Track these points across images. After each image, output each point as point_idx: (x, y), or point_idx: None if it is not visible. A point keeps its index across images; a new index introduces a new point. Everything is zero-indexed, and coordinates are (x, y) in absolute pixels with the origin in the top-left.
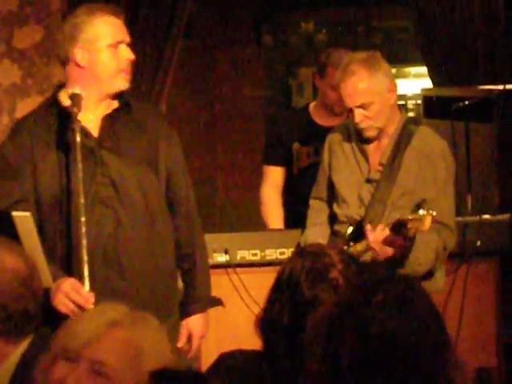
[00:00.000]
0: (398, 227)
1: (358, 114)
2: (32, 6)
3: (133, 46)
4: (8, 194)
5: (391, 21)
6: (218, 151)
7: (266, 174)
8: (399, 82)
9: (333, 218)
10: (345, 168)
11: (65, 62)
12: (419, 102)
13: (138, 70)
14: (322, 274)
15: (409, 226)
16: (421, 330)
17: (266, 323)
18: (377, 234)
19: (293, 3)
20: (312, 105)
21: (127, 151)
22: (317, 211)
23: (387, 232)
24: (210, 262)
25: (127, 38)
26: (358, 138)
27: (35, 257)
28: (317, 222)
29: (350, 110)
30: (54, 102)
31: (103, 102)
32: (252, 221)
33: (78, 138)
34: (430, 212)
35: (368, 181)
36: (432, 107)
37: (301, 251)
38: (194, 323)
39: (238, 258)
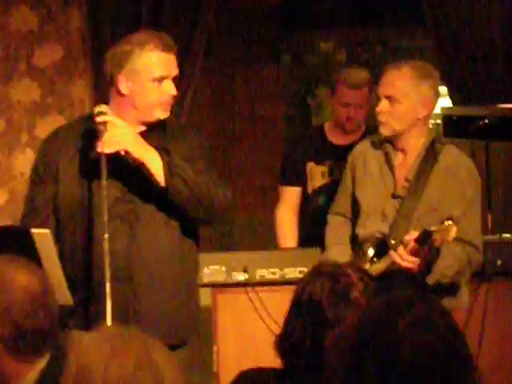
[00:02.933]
0: (424, 238)
1: (383, 104)
2: (52, 25)
3: None
4: (32, 199)
5: (409, 40)
6: (236, 170)
7: (281, 194)
8: None
9: (353, 236)
10: (369, 183)
11: (109, 81)
12: (438, 121)
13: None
14: (344, 294)
15: (434, 237)
16: (448, 352)
17: (287, 344)
18: (401, 252)
19: (312, 22)
20: (327, 124)
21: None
22: (336, 228)
23: (412, 243)
24: (229, 280)
25: (173, 73)
26: (384, 151)
27: (54, 274)
28: (338, 240)
29: (379, 97)
30: (88, 117)
31: (136, 126)
32: (271, 240)
33: (104, 155)
34: (455, 223)
35: (394, 196)
36: (452, 126)
37: (318, 270)
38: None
39: (257, 276)
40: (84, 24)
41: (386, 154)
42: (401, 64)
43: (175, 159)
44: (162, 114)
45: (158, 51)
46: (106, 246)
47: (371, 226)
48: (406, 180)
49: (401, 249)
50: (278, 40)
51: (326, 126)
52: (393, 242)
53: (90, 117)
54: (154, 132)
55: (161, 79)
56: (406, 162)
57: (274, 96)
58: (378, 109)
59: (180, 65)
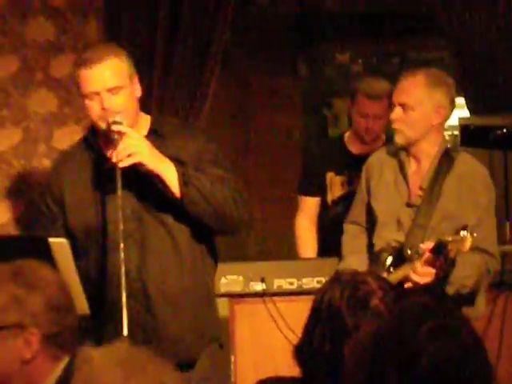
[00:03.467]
0: (439, 248)
1: (397, 111)
2: (69, 36)
3: (170, 75)
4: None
5: (427, 52)
6: (253, 181)
7: (300, 204)
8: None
9: (370, 245)
10: (384, 192)
11: None
12: (456, 132)
13: (174, 99)
14: (363, 302)
15: (449, 248)
16: (468, 360)
17: (306, 352)
18: (416, 265)
19: (328, 34)
20: (347, 134)
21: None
22: (353, 237)
23: (427, 254)
24: (247, 290)
25: (100, 87)
26: (398, 159)
27: (71, 283)
28: (355, 249)
29: (393, 105)
30: (88, 137)
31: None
32: (288, 250)
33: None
34: (471, 233)
35: (408, 205)
36: (469, 136)
37: (337, 279)
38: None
39: (275, 286)
40: (101, 35)
41: (400, 162)
42: (416, 71)
43: (190, 169)
44: (104, 125)
45: (81, 69)
46: (122, 255)
47: (387, 235)
48: (421, 188)
49: (417, 263)
50: (294, 51)
51: (346, 136)
52: (409, 251)
53: (92, 135)
54: (150, 137)
55: (91, 95)
56: (420, 169)
57: (290, 107)
58: (391, 116)
59: (197, 76)
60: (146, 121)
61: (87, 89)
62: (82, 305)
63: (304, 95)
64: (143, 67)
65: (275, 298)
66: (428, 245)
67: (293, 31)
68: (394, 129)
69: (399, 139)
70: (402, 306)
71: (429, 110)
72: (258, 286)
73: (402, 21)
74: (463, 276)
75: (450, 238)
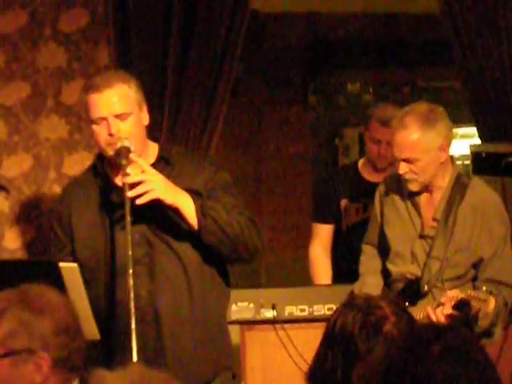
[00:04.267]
0: (461, 306)
1: (403, 166)
2: (80, 62)
3: (180, 105)
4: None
5: (437, 81)
6: (264, 210)
7: (315, 231)
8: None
9: (385, 272)
10: (397, 222)
11: None
12: (467, 162)
13: (185, 128)
14: (376, 327)
15: (472, 305)
16: (481, 380)
17: (319, 377)
18: (438, 315)
19: (339, 63)
20: (361, 161)
21: (164, 213)
22: (370, 257)
23: (450, 310)
24: (258, 317)
25: (107, 112)
26: (407, 191)
27: (81, 308)
28: (372, 270)
29: (397, 160)
30: (96, 164)
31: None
32: (299, 279)
33: (127, 191)
34: (494, 293)
35: (422, 236)
36: (481, 163)
37: (350, 303)
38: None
39: (286, 313)
40: (112, 61)
41: (411, 193)
42: (404, 121)
43: (207, 201)
44: (110, 151)
45: (90, 94)
46: (131, 281)
47: (401, 266)
48: (434, 219)
49: (438, 311)
50: (305, 81)
51: (360, 163)
52: (426, 287)
53: (96, 165)
54: (158, 165)
55: (98, 120)
56: (433, 200)
57: (301, 137)
58: (400, 172)
59: (207, 106)
60: (153, 148)
61: (95, 114)
62: (92, 330)
63: (315, 125)
64: (153, 95)
65: (286, 325)
66: (449, 296)
67: (304, 61)
68: (406, 179)
69: (413, 187)
70: (412, 328)
71: (434, 153)
72: (269, 313)
73: (412, 50)
74: (485, 325)
75: (472, 294)
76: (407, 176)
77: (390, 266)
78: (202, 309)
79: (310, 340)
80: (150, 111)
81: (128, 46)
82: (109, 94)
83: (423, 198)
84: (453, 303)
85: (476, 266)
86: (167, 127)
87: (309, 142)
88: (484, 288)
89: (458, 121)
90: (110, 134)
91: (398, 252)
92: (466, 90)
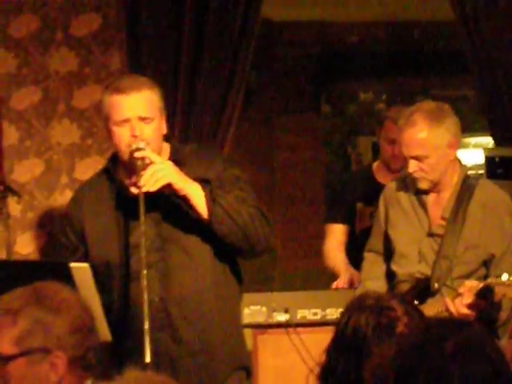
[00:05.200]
0: (485, 292)
1: (413, 164)
2: (91, 67)
3: (191, 111)
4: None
5: (450, 90)
6: (277, 218)
7: (328, 231)
8: (458, 152)
9: (390, 275)
10: (403, 222)
11: None
12: (480, 171)
13: (196, 136)
14: (389, 328)
15: (496, 291)
16: (497, 377)
17: (331, 379)
18: (457, 305)
19: (352, 72)
20: (375, 164)
21: (177, 209)
22: (372, 264)
23: (471, 299)
24: (270, 321)
25: (131, 114)
26: (415, 190)
27: (93, 309)
28: (373, 275)
29: (405, 157)
30: (109, 167)
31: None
32: (312, 285)
33: (142, 192)
34: (498, 260)
35: (430, 235)
36: (495, 168)
37: (361, 304)
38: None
39: (299, 317)
40: (124, 66)
41: (418, 193)
42: (413, 119)
43: (216, 189)
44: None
45: (115, 95)
46: (144, 282)
47: (408, 266)
48: (442, 218)
49: (458, 301)
50: (318, 90)
51: (374, 166)
52: (436, 285)
53: (109, 169)
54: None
55: (121, 122)
56: (440, 199)
57: (314, 145)
58: (409, 170)
59: (218, 113)
60: (165, 149)
61: (119, 115)
62: (104, 331)
63: (327, 133)
64: (165, 101)
65: (299, 329)
66: (467, 285)
67: (316, 70)
68: (415, 178)
69: (423, 185)
70: (425, 325)
71: (443, 150)
72: (282, 317)
73: (426, 59)
74: (507, 318)
75: (494, 281)
76: (417, 174)
77: (395, 268)
78: (217, 309)
79: (322, 344)
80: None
81: (140, 51)
82: (136, 97)
83: (431, 198)
84: (475, 291)
85: (486, 263)
86: (178, 134)
87: (321, 151)
88: (505, 275)
89: (470, 130)
90: (134, 136)
91: (403, 253)
92: (480, 95)
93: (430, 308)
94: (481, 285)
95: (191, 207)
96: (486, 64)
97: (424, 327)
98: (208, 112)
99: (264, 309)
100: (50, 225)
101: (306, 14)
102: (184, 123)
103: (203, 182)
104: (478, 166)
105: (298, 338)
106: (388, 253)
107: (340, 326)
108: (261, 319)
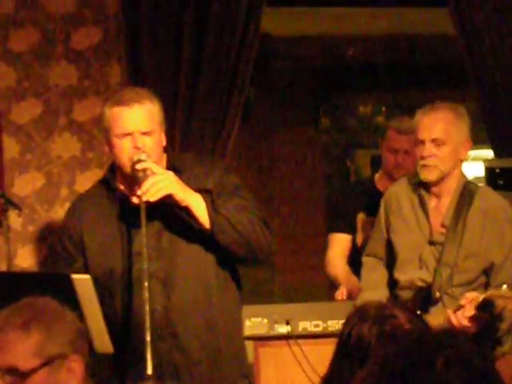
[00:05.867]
0: (486, 305)
1: (429, 147)
2: (91, 80)
3: (191, 124)
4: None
5: (450, 103)
6: (276, 232)
7: (331, 241)
8: None
9: (391, 282)
10: (404, 229)
11: None
12: (480, 185)
13: (195, 149)
14: (392, 337)
15: (497, 304)
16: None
17: None
18: (459, 318)
19: (351, 86)
20: (377, 175)
21: (178, 219)
22: (371, 271)
23: (472, 311)
24: (271, 333)
25: (133, 128)
26: (418, 186)
27: (94, 320)
28: (372, 284)
29: (422, 142)
30: (108, 178)
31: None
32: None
33: (143, 202)
34: (499, 268)
35: (431, 243)
36: (495, 179)
37: (364, 313)
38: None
39: (300, 329)
40: (124, 79)
41: (420, 198)
42: (436, 106)
43: (217, 199)
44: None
45: (117, 107)
46: (146, 294)
47: (410, 273)
48: (443, 225)
49: (460, 314)
50: (317, 103)
51: (376, 177)
52: (438, 294)
53: (107, 180)
54: None
55: (122, 135)
56: (440, 206)
57: (312, 158)
58: (424, 153)
59: (218, 126)
60: (163, 159)
61: (121, 128)
62: (106, 342)
63: (326, 147)
64: (164, 114)
65: (300, 341)
66: (468, 297)
67: (315, 83)
68: (426, 166)
69: (431, 175)
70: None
71: (458, 144)
72: (283, 329)
73: (425, 72)
74: (507, 327)
75: (494, 293)
76: (430, 160)
77: (397, 275)
78: (221, 316)
79: (324, 356)
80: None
81: (139, 65)
82: (138, 110)
83: (431, 203)
84: (476, 303)
85: (486, 271)
86: (179, 146)
87: (320, 164)
88: (504, 286)
89: None
90: (136, 147)
91: (405, 259)
92: (480, 106)
93: (433, 319)
94: (481, 297)
95: (193, 217)
96: (485, 77)
97: (412, 341)
98: (208, 125)
99: (265, 321)
100: (50, 238)
101: (305, 27)
102: (184, 136)
103: (204, 192)
104: (477, 179)
105: (300, 350)
106: (390, 258)
107: (343, 336)
108: (262, 331)
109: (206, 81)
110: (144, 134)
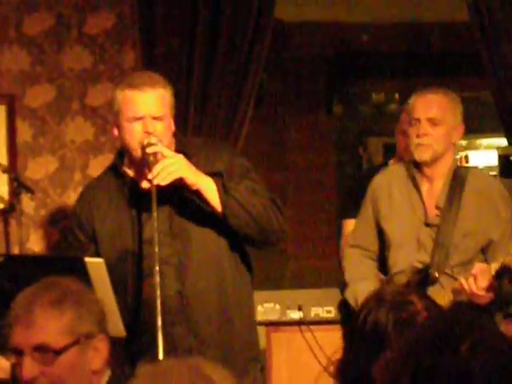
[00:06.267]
0: (504, 272)
1: (425, 126)
2: (105, 64)
3: (204, 109)
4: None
5: (463, 91)
6: (289, 219)
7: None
8: (470, 153)
9: (382, 267)
10: (397, 212)
11: None
12: (492, 173)
13: (209, 135)
14: (409, 323)
15: None
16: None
17: (350, 374)
18: (471, 285)
19: (364, 73)
20: (391, 161)
21: (189, 203)
22: (357, 263)
23: (487, 281)
24: (283, 319)
25: (144, 112)
26: (411, 177)
27: (107, 304)
28: (361, 275)
29: (417, 121)
30: (117, 164)
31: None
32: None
33: (154, 186)
34: (496, 245)
35: (427, 224)
36: (509, 166)
37: (380, 299)
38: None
39: (312, 314)
40: (138, 63)
41: (414, 181)
42: (433, 90)
43: (228, 182)
44: (140, 154)
45: (129, 91)
46: (157, 278)
47: (406, 256)
48: (437, 207)
49: (471, 282)
50: (330, 90)
51: (391, 163)
52: (436, 274)
53: (116, 166)
54: None
55: (133, 119)
56: (433, 189)
57: (325, 146)
58: (420, 131)
59: (231, 112)
60: (171, 145)
61: (133, 112)
62: (118, 326)
63: (339, 134)
64: (178, 99)
65: (312, 327)
66: (479, 267)
67: (328, 70)
68: (421, 144)
69: (425, 155)
70: (436, 321)
71: (452, 127)
72: (295, 315)
73: (438, 59)
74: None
75: (508, 260)
76: (425, 139)
77: (392, 260)
78: (234, 299)
79: (336, 342)
80: (175, 115)
81: (153, 49)
82: (150, 94)
83: (424, 188)
84: (490, 273)
85: (484, 249)
86: (191, 132)
87: (333, 152)
88: None
89: (483, 131)
90: (147, 132)
91: (400, 243)
92: (494, 94)
93: (438, 298)
94: (494, 265)
95: (204, 201)
96: (500, 64)
97: (435, 327)
98: (221, 111)
99: (277, 306)
100: (62, 222)
101: (318, 14)
102: (197, 122)
103: (214, 175)
104: (489, 168)
105: (312, 336)
106: (381, 248)
107: (359, 322)
108: (274, 317)
109: (219, 66)
110: (155, 118)
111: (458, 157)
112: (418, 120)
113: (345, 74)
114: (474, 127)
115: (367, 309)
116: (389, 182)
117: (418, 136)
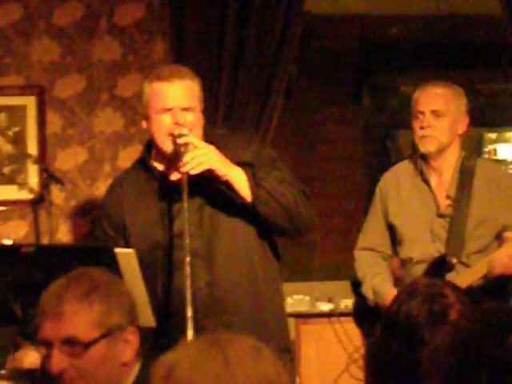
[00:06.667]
0: None
1: (429, 118)
2: (135, 55)
3: (234, 102)
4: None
5: (494, 84)
6: (316, 211)
7: None
8: (500, 146)
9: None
10: (408, 207)
11: None
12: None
13: (240, 127)
14: (442, 316)
15: None
16: None
17: (381, 365)
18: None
19: (393, 64)
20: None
21: (219, 193)
22: (369, 262)
23: None
24: (313, 310)
25: (173, 104)
26: (419, 170)
27: (137, 294)
28: (376, 271)
29: (421, 113)
30: (145, 157)
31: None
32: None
33: (186, 177)
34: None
35: (440, 216)
36: None
37: (413, 290)
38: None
39: (342, 306)
40: (167, 55)
41: (422, 173)
42: (437, 83)
43: (258, 172)
44: (169, 146)
45: (158, 82)
46: (188, 269)
47: (421, 248)
48: (448, 198)
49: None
50: (359, 82)
51: None
52: (454, 260)
53: (144, 159)
54: None
55: (163, 111)
56: (442, 180)
57: (353, 138)
58: (424, 124)
59: (261, 104)
60: (200, 137)
61: (162, 104)
62: (148, 317)
63: (367, 126)
64: (208, 91)
65: (342, 319)
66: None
67: (357, 62)
68: (425, 136)
69: (431, 146)
70: (482, 314)
71: (456, 119)
72: (325, 306)
73: (469, 52)
74: None
75: None
76: (430, 131)
77: (406, 253)
78: (265, 288)
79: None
80: (204, 107)
81: (183, 41)
82: (178, 85)
83: (433, 180)
84: None
85: (498, 236)
86: (221, 124)
87: (361, 144)
88: None
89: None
90: (177, 123)
91: (413, 236)
92: None
93: (462, 281)
94: None
95: (234, 191)
96: None
97: (482, 317)
98: (251, 103)
99: (307, 298)
100: (92, 213)
101: (346, 6)
102: (227, 114)
103: (243, 165)
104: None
105: (342, 328)
106: (393, 242)
107: (391, 312)
108: (304, 308)
109: (249, 58)
110: (184, 109)
111: (487, 150)
112: (422, 113)
113: (373, 66)
114: (504, 120)
115: (399, 300)
116: (397, 179)
117: (421, 128)
